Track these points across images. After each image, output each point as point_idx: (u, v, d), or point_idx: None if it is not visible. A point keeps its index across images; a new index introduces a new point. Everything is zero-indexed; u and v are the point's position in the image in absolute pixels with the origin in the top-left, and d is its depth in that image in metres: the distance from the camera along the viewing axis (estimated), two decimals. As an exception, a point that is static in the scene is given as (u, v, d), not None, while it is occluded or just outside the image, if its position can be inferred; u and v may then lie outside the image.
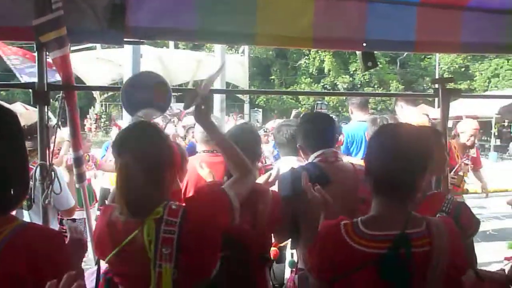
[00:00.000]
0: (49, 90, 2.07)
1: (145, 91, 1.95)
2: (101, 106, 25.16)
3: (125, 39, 2.09)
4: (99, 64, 17.75)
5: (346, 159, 3.33)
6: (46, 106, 2.07)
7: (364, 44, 2.36)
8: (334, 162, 2.20)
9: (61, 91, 2.13)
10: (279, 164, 3.02)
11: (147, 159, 1.42)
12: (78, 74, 20.28)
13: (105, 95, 23.28)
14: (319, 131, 2.25)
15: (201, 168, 2.72)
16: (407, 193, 1.37)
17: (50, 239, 1.20)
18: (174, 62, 19.91)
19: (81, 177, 2.49)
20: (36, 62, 2.03)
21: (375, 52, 2.47)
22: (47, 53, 2.01)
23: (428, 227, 1.35)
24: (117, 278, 1.50)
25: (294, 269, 2.32)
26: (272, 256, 2.63)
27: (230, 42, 2.45)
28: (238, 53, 22.47)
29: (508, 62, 28.48)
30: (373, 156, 1.42)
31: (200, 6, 2.08)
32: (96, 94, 24.71)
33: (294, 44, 2.28)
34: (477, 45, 2.51)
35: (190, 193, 2.54)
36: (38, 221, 2.18)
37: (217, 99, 7.37)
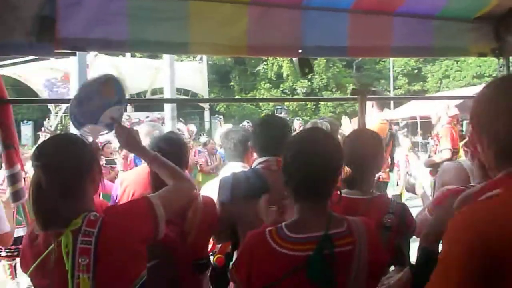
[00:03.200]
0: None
1: (91, 103, 1.84)
2: (56, 118, 24.34)
3: (56, 51, 2.05)
4: (54, 75, 17.27)
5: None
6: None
7: (300, 51, 2.40)
8: (277, 171, 2.21)
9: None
10: (223, 170, 3.03)
11: (61, 170, 1.40)
12: (31, 85, 19.65)
13: (60, 106, 22.54)
14: (267, 137, 2.22)
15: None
16: (325, 195, 1.42)
17: None
18: (131, 71, 19.66)
19: (17, 195, 2.37)
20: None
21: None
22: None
23: (349, 226, 1.39)
24: None
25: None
26: (217, 263, 2.64)
27: (163, 51, 2.45)
28: (196, 60, 22.42)
29: (457, 63, 29.79)
30: (289, 162, 1.44)
31: (132, 15, 2.06)
32: (51, 105, 23.93)
33: (228, 52, 2.31)
34: (408, 49, 2.62)
35: None
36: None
37: (168, 107, 7.31)
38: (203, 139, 8.45)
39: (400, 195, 6.21)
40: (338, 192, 1.48)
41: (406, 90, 30.91)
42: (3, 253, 4.81)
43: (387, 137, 4.68)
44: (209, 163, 7.75)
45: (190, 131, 8.87)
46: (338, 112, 28.10)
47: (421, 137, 21.71)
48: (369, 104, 3.91)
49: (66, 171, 1.41)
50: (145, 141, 2.67)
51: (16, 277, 5.14)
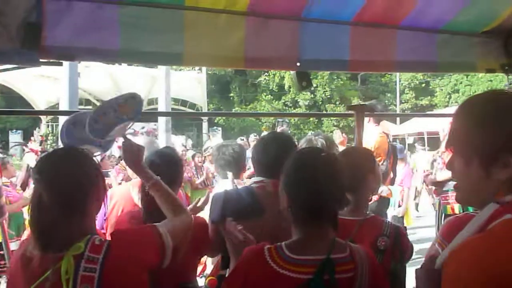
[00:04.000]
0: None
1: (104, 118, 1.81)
2: (47, 127, 24.38)
3: (41, 60, 2.03)
4: (43, 82, 17.34)
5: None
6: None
7: (298, 64, 2.39)
8: (272, 193, 2.17)
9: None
10: (216, 188, 3.02)
11: (64, 189, 1.36)
12: (21, 93, 19.72)
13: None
14: (266, 158, 2.16)
15: (134, 192, 2.68)
16: (329, 219, 1.43)
17: None
18: (127, 79, 19.73)
19: (-1, 211, 2.34)
20: None
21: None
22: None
23: (351, 253, 1.40)
24: None
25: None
26: (209, 286, 2.60)
27: (156, 62, 2.44)
28: (194, 69, 22.54)
29: (467, 78, 29.93)
30: (291, 185, 1.45)
31: (124, 23, 2.04)
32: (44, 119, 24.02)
33: (224, 64, 2.30)
34: (412, 63, 2.61)
35: (119, 220, 2.48)
36: None
37: (162, 118, 7.32)
38: (190, 152, 8.46)
39: (402, 218, 6.02)
40: None
41: (413, 104, 31.02)
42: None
43: (388, 151, 4.67)
44: (197, 177, 7.74)
45: (182, 144, 8.89)
46: (341, 125, 28.16)
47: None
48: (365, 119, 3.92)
49: (69, 187, 1.37)
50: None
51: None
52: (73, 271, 1.30)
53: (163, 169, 1.97)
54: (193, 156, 8.01)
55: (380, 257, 1.81)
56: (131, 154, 1.70)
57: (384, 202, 4.83)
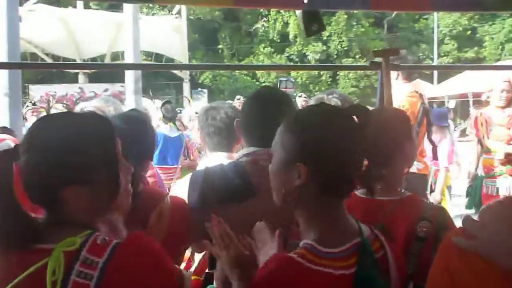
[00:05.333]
0: None
1: None
2: None
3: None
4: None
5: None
6: None
7: (305, 1, 2.36)
8: (267, 167, 2.15)
9: None
10: (202, 163, 3.01)
11: (53, 159, 1.32)
12: None
13: None
14: (258, 120, 2.13)
15: None
16: (345, 194, 1.49)
17: None
18: (84, 27, 19.52)
19: None
20: None
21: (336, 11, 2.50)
22: None
23: (371, 230, 1.51)
24: None
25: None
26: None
27: (120, -2, 2.38)
28: (172, 14, 22.24)
29: (525, 22, 29.75)
30: (316, 154, 1.43)
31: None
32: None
33: (208, 2, 2.26)
34: (453, 2, 2.58)
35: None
36: None
37: (130, 76, 7.26)
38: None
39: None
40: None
41: (455, 58, 30.95)
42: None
43: (419, 115, 4.68)
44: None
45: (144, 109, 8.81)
46: (362, 86, 28.13)
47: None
48: (392, 75, 3.87)
49: (61, 161, 1.32)
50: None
51: None
52: (62, 273, 1.25)
53: (130, 139, 1.95)
54: None
55: (419, 245, 1.81)
56: None
57: (419, 179, 4.85)
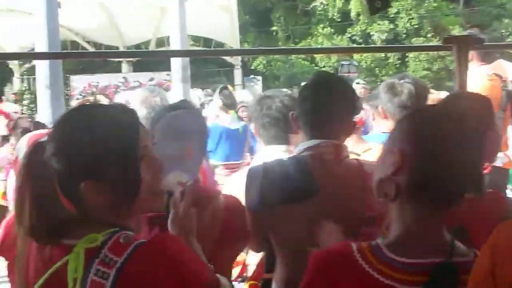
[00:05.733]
0: None
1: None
2: (22, 81, 25.15)
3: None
4: (13, 19, 17.75)
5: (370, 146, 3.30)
6: None
7: (369, -26, 2.34)
8: (332, 161, 2.15)
9: None
10: (258, 158, 3.02)
11: (70, 151, 1.39)
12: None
13: (27, 65, 23.23)
14: (316, 110, 2.17)
15: None
16: (452, 203, 1.42)
17: None
18: (125, 13, 19.90)
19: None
20: None
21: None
22: None
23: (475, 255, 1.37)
24: None
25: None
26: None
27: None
28: (221, -6, 22.39)
29: None
30: (425, 156, 1.39)
31: None
32: (13, 65, 24.69)
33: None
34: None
35: None
36: None
37: (177, 63, 7.36)
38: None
39: None
40: None
41: (543, 34, 29.86)
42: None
43: (502, 101, 4.55)
44: None
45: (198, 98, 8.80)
46: (436, 69, 27.52)
47: None
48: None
49: (81, 156, 1.39)
50: (141, 111, 2.70)
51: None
52: (83, 270, 1.34)
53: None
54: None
55: None
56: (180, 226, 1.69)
57: (501, 173, 4.73)
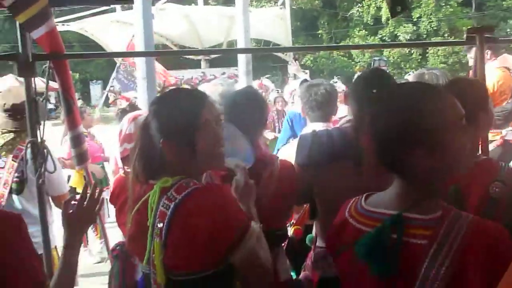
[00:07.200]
0: (34, 61, 2.17)
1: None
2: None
3: (114, -1, 2.15)
4: (119, 28, 18.15)
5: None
6: (33, 78, 2.18)
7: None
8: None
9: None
10: (305, 131, 3.02)
11: (163, 121, 1.51)
12: (98, 41, 20.89)
13: (127, 62, 23.74)
14: (362, 95, 2.07)
15: None
16: (409, 171, 1.24)
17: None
18: (203, 21, 20.03)
19: (81, 158, 2.56)
20: (18, 30, 2.13)
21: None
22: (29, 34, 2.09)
23: (441, 219, 1.19)
24: (128, 242, 1.66)
25: (313, 246, 2.36)
26: (295, 235, 2.69)
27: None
28: (277, 5, 22.19)
29: None
30: (373, 119, 1.29)
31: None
32: (118, 62, 25.29)
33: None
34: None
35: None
36: (31, 208, 2.33)
37: (242, 59, 7.38)
38: (272, 95, 8.18)
39: None
40: None
41: (543, 32, 28.18)
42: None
43: None
44: (278, 123, 7.48)
45: (265, 86, 8.68)
46: (451, 62, 26.52)
47: None
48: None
49: (169, 122, 1.50)
50: (214, 96, 2.74)
51: (87, 245, 5.69)
52: (156, 202, 1.46)
53: (247, 109, 2.02)
54: (275, 100, 7.85)
55: (492, 207, 1.68)
56: (243, 192, 1.68)
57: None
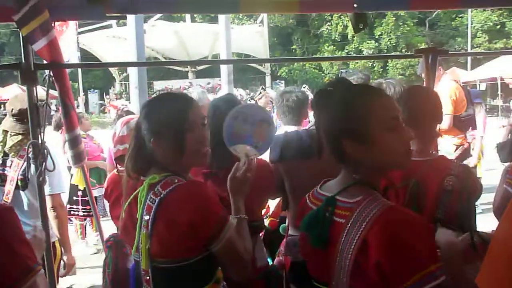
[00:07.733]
0: (36, 69, 2.14)
1: (247, 126, 1.84)
2: (121, 85, 25.48)
3: (107, 14, 2.12)
4: (115, 43, 17.97)
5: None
6: (34, 86, 2.15)
7: (355, 5, 2.30)
8: None
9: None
10: (278, 132, 3.03)
11: (153, 122, 1.49)
12: (97, 54, 20.63)
13: (125, 74, 23.53)
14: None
15: None
16: (342, 160, 1.28)
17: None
18: (191, 36, 19.97)
19: (78, 157, 2.53)
20: (21, 40, 2.09)
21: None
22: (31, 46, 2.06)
23: (359, 202, 1.21)
24: (121, 232, 1.68)
25: (285, 234, 2.37)
26: (270, 226, 2.70)
27: (213, 11, 2.43)
28: (256, 23, 22.24)
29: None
30: (318, 114, 1.44)
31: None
32: (115, 73, 25.04)
33: (279, 9, 2.25)
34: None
35: None
36: (36, 203, 2.29)
37: (224, 71, 7.40)
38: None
39: (475, 167, 5.63)
40: None
41: (486, 48, 28.75)
42: (81, 213, 5.19)
43: (466, 95, 4.42)
44: None
45: (240, 96, 8.72)
46: (408, 74, 26.94)
47: (502, 101, 20.32)
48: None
49: (159, 124, 1.49)
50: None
51: (85, 237, 5.60)
52: (145, 197, 1.46)
53: (226, 113, 2.01)
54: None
55: (447, 197, 1.74)
56: (237, 182, 1.66)
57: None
